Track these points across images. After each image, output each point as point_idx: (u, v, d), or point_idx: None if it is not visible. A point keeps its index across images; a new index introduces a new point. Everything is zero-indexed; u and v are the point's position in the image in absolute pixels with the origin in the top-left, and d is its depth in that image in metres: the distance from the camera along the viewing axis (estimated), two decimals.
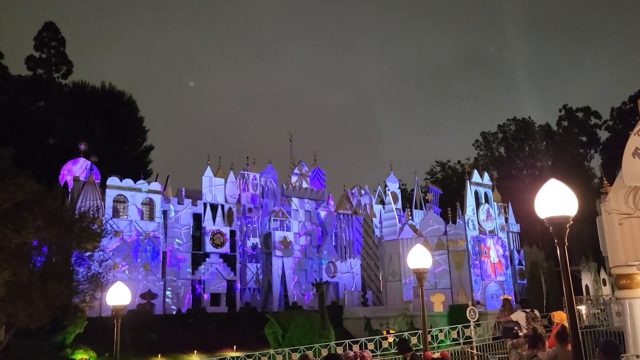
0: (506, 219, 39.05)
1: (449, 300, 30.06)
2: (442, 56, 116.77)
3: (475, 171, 35.44)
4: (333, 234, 38.83)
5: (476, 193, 34.20)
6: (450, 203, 37.91)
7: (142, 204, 31.16)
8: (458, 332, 21.04)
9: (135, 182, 31.31)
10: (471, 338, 20.57)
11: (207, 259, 33.24)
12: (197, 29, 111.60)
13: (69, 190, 30.40)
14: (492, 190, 36.01)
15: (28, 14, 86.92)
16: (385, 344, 20.49)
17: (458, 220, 33.34)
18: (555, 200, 5.30)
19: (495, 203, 35.96)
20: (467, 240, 31.86)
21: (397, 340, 11.60)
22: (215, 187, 34.71)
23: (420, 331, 18.66)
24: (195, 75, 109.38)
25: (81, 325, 21.83)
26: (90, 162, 31.96)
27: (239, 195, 36.42)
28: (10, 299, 16.54)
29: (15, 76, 47.72)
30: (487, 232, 33.73)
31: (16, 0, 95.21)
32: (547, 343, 8.71)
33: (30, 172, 18.31)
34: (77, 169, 33.10)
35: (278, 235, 35.68)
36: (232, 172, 36.69)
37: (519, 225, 41.36)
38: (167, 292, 31.26)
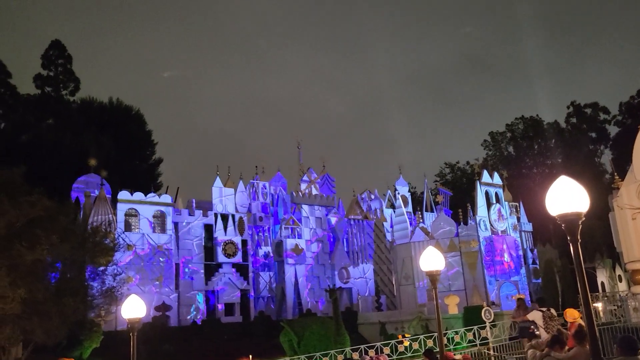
0: (518, 218, 38.86)
1: (464, 302, 29.87)
2: (445, 57, 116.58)
3: (485, 171, 35.31)
4: (344, 239, 38.78)
5: (487, 193, 34.05)
6: (460, 204, 37.74)
7: (154, 216, 31.31)
8: (474, 333, 20.91)
9: (145, 195, 31.46)
10: (487, 339, 20.43)
11: (219, 269, 33.30)
12: (198, 40, 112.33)
13: (81, 205, 30.63)
14: (503, 190, 35.85)
15: (34, 33, 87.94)
16: (401, 348, 20.40)
17: (469, 221, 33.20)
18: (567, 196, 5.28)
19: (506, 203, 35.79)
20: (479, 241, 31.70)
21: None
22: (226, 197, 34.80)
23: (435, 334, 18.57)
24: (199, 86, 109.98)
25: (97, 339, 21.91)
26: (100, 177, 32.16)
27: (250, 204, 36.51)
28: (26, 316, 16.68)
29: (24, 95, 48.34)
30: (500, 232, 33.54)
31: (22, 19, 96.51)
32: (565, 345, 8.64)
33: (42, 189, 18.49)
34: (88, 184, 33.33)
35: (289, 243, 35.71)
36: (241, 181, 36.79)
37: (531, 224, 41.10)
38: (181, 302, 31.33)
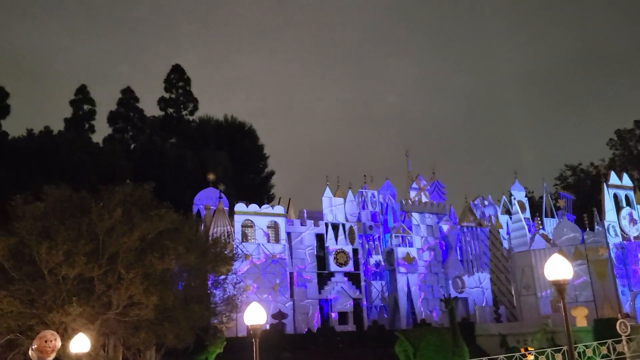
0: None
1: (593, 314, 27.67)
2: (565, 52, 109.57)
3: (613, 172, 32.66)
4: (458, 247, 37.61)
5: (615, 196, 31.43)
6: (585, 209, 35.17)
7: (268, 227, 32.45)
8: (608, 347, 19.26)
9: (260, 207, 32.74)
10: (624, 354, 18.73)
11: (332, 278, 33.70)
12: (303, 54, 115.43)
13: (202, 218, 32.54)
14: (634, 192, 32.84)
15: (155, 59, 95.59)
16: None
17: (596, 227, 30.79)
18: None
19: (638, 206, 32.74)
20: (609, 248, 29.25)
21: None
22: (335, 207, 35.25)
23: (564, 347, 17.38)
24: (306, 99, 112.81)
25: (221, 345, 22.98)
26: (218, 191, 33.99)
27: (359, 213, 36.67)
28: (158, 322, 17.96)
29: (149, 117, 52.73)
30: (632, 237, 30.72)
31: (144, 48, 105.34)
32: None
33: (169, 203, 19.93)
34: (208, 197, 35.34)
35: (401, 252, 35.30)
36: (350, 191, 37.09)
37: None
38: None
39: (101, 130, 50.78)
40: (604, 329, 22.88)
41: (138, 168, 39.36)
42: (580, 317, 26.85)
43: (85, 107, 49.66)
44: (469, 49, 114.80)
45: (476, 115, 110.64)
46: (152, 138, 49.46)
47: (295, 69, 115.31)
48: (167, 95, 53.82)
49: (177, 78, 54.26)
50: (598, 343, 19.98)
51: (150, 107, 53.95)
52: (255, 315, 10.70)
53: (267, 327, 28.17)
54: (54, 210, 18.17)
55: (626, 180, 32.62)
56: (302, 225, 34.26)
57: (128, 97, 52.22)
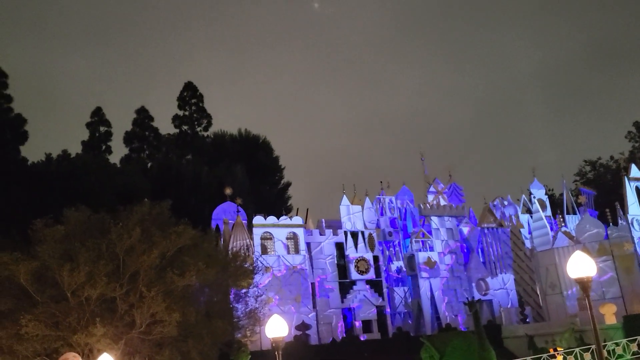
0: None
1: (622, 311, 27.09)
2: (575, 48, 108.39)
3: (633, 165, 32.12)
4: (479, 249, 37.18)
5: (637, 189, 30.88)
6: (607, 204, 34.57)
7: (287, 238, 32.43)
8: (638, 344, 18.81)
9: (278, 219, 32.77)
10: None
11: (354, 286, 33.50)
12: (315, 64, 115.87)
13: (221, 232, 32.65)
14: None
15: (167, 77, 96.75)
16: None
17: (620, 221, 30.23)
18: None
19: None
20: (634, 242, 28.67)
21: None
22: (354, 215, 35.13)
23: (593, 346, 17.03)
24: (319, 108, 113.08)
25: (246, 359, 22.94)
26: (236, 205, 34.10)
27: (378, 220, 36.49)
28: (182, 338, 18.03)
29: (164, 135, 53.31)
30: None
31: (157, 66, 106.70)
32: None
33: (187, 220, 20.06)
34: (226, 212, 35.45)
35: (422, 257, 35.02)
36: (367, 198, 36.95)
37: None
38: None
39: (118, 151, 51.52)
40: (633, 325, 22.38)
41: (155, 186, 39.72)
42: (609, 314, 26.29)
43: (102, 128, 50.41)
44: (479, 49, 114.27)
45: (490, 116, 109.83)
46: (168, 156, 49.96)
47: (305, 80, 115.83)
48: (181, 113, 54.41)
49: (190, 95, 54.87)
50: (627, 340, 19.53)
51: (165, 125, 54.57)
52: (276, 328, 10.68)
53: (291, 339, 28.06)
54: (74, 232, 18.40)
55: None
56: (321, 234, 34.19)
57: (143, 117, 52.91)
